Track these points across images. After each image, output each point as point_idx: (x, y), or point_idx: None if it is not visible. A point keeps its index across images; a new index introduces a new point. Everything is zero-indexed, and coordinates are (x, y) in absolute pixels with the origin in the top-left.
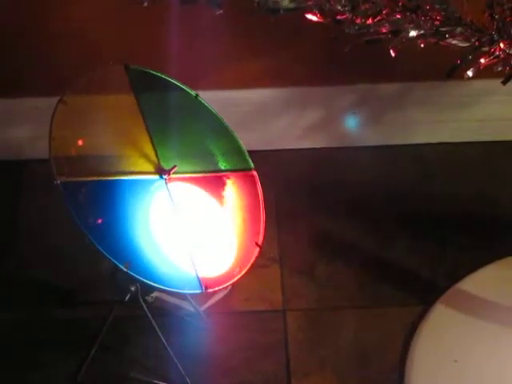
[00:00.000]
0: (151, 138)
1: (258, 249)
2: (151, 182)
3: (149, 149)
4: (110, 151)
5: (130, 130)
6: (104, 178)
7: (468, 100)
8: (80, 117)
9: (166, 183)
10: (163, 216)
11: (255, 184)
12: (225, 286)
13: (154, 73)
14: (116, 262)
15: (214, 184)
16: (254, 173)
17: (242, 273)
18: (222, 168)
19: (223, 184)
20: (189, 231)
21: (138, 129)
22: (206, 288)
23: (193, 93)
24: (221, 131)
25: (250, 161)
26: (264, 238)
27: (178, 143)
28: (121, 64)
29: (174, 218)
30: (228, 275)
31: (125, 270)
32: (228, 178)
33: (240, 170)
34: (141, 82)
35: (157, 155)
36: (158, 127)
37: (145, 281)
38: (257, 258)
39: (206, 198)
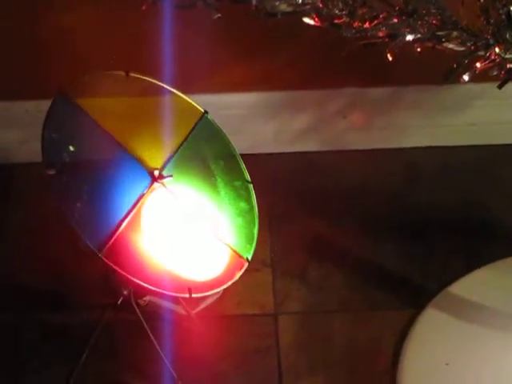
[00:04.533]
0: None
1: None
2: (143, 178)
3: (156, 159)
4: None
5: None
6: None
7: (458, 104)
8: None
9: (149, 185)
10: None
11: (238, 268)
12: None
13: (226, 140)
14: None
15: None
16: (246, 264)
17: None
18: (221, 237)
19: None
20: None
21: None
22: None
23: (247, 178)
24: (246, 214)
25: (252, 253)
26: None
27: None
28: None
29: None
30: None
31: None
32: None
33: (235, 251)
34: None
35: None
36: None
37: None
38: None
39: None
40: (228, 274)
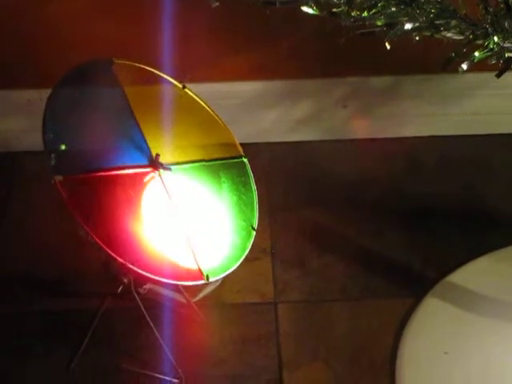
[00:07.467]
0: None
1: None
2: (142, 158)
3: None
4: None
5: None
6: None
7: (459, 93)
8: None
9: (144, 165)
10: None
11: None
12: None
13: (252, 187)
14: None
15: None
16: (202, 281)
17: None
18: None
19: None
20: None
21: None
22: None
23: (254, 225)
24: (236, 250)
25: (215, 279)
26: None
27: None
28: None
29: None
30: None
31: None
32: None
33: (200, 269)
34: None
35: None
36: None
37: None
38: None
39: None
40: (186, 274)
